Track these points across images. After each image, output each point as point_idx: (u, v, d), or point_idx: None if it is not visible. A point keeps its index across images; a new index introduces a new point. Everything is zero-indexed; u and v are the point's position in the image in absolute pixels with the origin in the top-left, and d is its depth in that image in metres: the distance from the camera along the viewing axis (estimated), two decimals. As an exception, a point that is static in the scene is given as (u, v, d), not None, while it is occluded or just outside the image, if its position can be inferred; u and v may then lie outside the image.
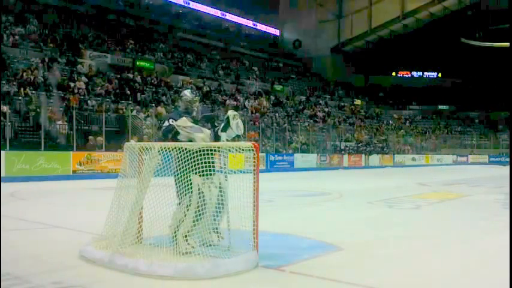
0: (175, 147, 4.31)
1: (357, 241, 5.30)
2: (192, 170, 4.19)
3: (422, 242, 5.42)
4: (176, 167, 4.32)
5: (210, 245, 4.18)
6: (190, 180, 4.23)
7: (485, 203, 9.75)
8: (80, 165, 16.23)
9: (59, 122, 17.63)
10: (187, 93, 4.82)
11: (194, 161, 4.16)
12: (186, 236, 4.20)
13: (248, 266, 3.92)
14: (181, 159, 4.22)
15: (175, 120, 4.49)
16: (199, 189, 4.22)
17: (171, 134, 4.46)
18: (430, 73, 54.32)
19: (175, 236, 4.24)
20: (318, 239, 5.35)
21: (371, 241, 5.38)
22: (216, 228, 4.46)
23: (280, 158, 24.57)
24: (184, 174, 4.24)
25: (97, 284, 3.62)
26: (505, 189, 12.26)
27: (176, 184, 4.35)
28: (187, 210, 4.22)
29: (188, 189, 4.24)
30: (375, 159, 31.92)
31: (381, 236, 5.76)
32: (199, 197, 4.22)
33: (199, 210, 4.21)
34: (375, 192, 11.86)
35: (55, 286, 3.49)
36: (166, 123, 4.56)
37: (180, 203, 4.33)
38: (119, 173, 4.71)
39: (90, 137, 17.85)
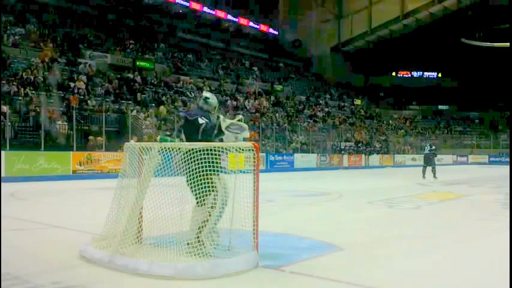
0: (187, 148, 4.24)
1: (357, 241, 5.30)
2: (212, 170, 4.17)
3: (422, 242, 5.42)
4: (191, 167, 4.19)
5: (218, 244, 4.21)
6: (211, 180, 4.21)
7: (485, 203, 9.75)
8: (80, 165, 16.23)
9: (59, 122, 17.63)
10: (214, 99, 4.70)
11: (213, 161, 4.14)
12: (208, 236, 4.22)
13: (248, 266, 3.93)
14: (197, 159, 4.13)
15: (206, 118, 4.45)
16: (224, 189, 4.25)
17: (215, 133, 4.38)
18: (430, 73, 54.34)
19: (199, 237, 4.19)
20: (318, 239, 5.35)
21: (371, 241, 5.38)
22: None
23: (280, 158, 24.56)
24: (204, 175, 4.17)
25: (97, 284, 3.62)
26: (505, 189, 12.27)
27: (193, 185, 4.22)
28: (212, 210, 4.21)
29: (210, 189, 4.22)
30: (374, 159, 31.92)
31: (381, 236, 5.76)
32: (222, 197, 4.24)
33: (221, 210, 4.23)
34: (375, 192, 11.85)
35: (55, 286, 3.49)
36: (201, 121, 4.43)
37: (200, 204, 4.25)
38: (119, 173, 4.71)
39: (90, 137, 17.85)
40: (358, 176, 20.66)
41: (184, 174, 4.31)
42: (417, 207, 8.70)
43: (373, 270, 4.07)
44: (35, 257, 4.46)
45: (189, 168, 4.23)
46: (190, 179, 4.22)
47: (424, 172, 16.80)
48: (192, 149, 4.19)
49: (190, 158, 4.19)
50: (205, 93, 4.79)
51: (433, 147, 17.24)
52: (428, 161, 16.88)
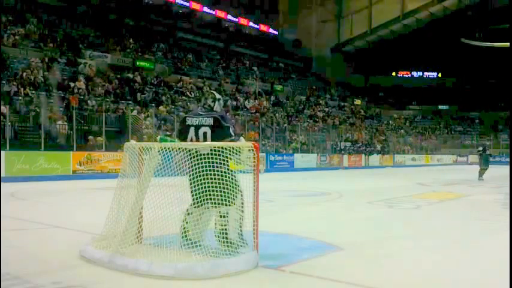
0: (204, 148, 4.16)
1: (357, 241, 5.29)
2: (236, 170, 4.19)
3: (423, 242, 5.42)
4: (214, 168, 4.08)
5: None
6: (236, 180, 4.23)
7: (485, 203, 9.76)
8: (80, 165, 16.22)
9: (59, 122, 17.63)
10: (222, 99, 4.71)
11: (238, 160, 4.13)
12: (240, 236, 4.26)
13: (248, 266, 3.93)
14: (219, 159, 4.07)
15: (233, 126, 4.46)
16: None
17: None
18: (430, 73, 54.35)
19: (242, 237, 4.23)
20: (318, 239, 5.35)
21: (371, 241, 5.38)
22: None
23: (280, 158, 24.55)
24: (229, 175, 4.16)
25: (97, 284, 3.62)
26: (505, 189, 12.27)
27: (219, 186, 4.11)
28: (242, 211, 4.21)
29: (237, 189, 4.22)
30: (375, 159, 31.92)
31: (380, 236, 5.76)
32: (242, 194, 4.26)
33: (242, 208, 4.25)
34: (374, 192, 11.86)
35: (55, 286, 3.49)
36: (232, 133, 4.36)
37: (230, 205, 4.20)
38: (119, 173, 4.71)
39: (90, 137, 17.85)
40: (358, 176, 20.66)
41: (201, 175, 4.14)
42: (417, 207, 8.70)
43: (373, 270, 4.07)
44: (35, 257, 4.45)
45: (212, 168, 4.10)
46: (216, 180, 4.10)
47: (482, 173, 17.31)
48: (212, 149, 4.10)
49: (214, 158, 4.08)
50: (217, 95, 4.66)
51: (480, 149, 18.01)
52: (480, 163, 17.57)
